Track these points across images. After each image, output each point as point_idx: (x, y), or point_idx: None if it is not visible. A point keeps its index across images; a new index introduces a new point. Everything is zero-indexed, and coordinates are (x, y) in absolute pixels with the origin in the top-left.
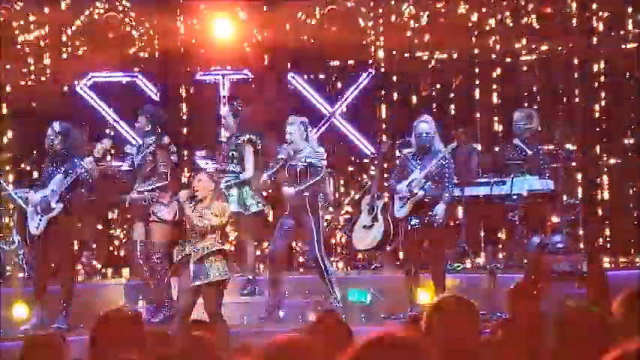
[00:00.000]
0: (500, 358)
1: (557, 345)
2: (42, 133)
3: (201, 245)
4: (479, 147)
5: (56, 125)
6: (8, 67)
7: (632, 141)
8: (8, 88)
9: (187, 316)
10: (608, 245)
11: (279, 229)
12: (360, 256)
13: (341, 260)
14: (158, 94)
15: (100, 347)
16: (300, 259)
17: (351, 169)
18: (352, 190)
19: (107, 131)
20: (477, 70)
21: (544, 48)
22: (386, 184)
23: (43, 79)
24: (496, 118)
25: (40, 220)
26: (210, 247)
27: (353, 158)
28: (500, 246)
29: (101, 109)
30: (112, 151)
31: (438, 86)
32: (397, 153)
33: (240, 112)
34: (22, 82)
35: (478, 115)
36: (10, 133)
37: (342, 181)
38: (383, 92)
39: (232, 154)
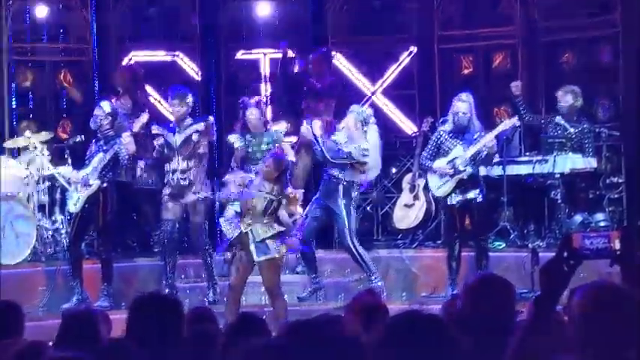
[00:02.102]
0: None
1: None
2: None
3: (261, 224)
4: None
5: (106, 106)
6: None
7: None
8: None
9: (240, 294)
10: None
11: (308, 214)
12: (400, 235)
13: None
14: (199, 73)
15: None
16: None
17: (391, 147)
18: (393, 168)
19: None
20: (519, 47)
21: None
22: (421, 162)
23: (85, 58)
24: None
25: (79, 197)
26: (270, 226)
27: (394, 137)
28: (543, 225)
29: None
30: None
31: (481, 64)
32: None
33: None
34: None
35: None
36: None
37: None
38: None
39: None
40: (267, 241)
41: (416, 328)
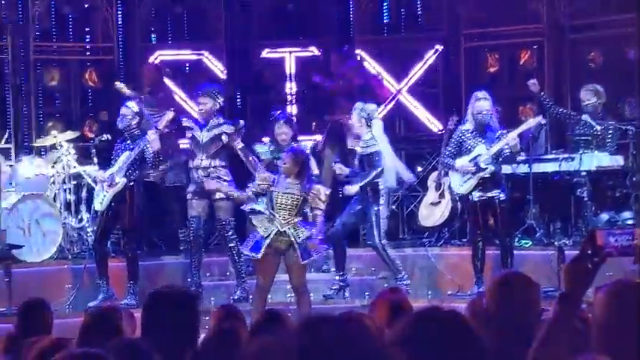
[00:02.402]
0: (555, 334)
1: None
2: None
3: (296, 223)
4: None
5: (134, 105)
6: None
7: None
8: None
9: (267, 293)
10: None
11: (346, 209)
12: (426, 233)
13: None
14: (225, 71)
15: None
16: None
17: (416, 146)
18: (419, 167)
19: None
20: (545, 45)
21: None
22: (442, 160)
23: (111, 57)
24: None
25: (105, 196)
26: (302, 225)
27: (419, 135)
28: (569, 223)
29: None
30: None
31: (507, 62)
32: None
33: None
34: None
35: (545, 90)
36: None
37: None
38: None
39: None
40: (307, 243)
41: (436, 323)
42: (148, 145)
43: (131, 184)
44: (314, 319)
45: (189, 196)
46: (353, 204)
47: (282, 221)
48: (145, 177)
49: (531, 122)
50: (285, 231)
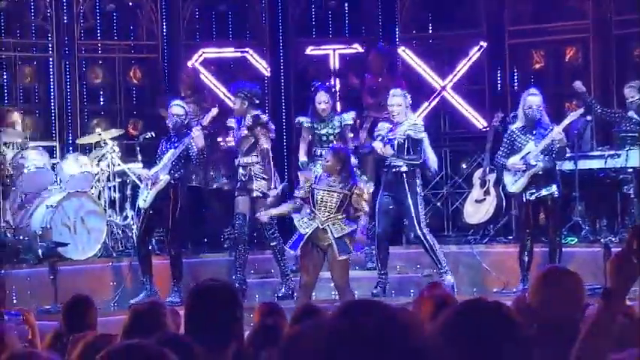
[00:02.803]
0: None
1: None
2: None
3: (337, 220)
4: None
5: (184, 105)
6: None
7: None
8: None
9: (311, 291)
10: None
11: (379, 210)
12: (471, 230)
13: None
14: (269, 69)
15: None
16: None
17: (461, 143)
18: (464, 164)
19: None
20: (591, 41)
21: None
22: (496, 161)
23: (155, 55)
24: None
25: (148, 193)
26: (345, 222)
27: (464, 132)
28: (615, 219)
29: (213, 86)
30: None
31: (552, 58)
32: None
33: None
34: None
35: (592, 86)
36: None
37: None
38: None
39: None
40: (346, 239)
41: (480, 313)
42: (193, 142)
43: (175, 181)
44: (353, 304)
45: (235, 193)
46: (383, 205)
47: (323, 218)
48: (189, 181)
49: (574, 114)
50: (325, 228)
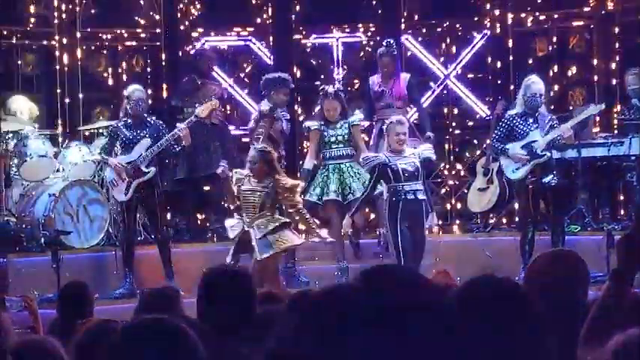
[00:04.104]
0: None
1: None
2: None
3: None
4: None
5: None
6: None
7: None
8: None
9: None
10: None
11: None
12: (474, 219)
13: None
14: (272, 57)
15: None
16: None
17: (465, 131)
18: (467, 152)
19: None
20: (594, 29)
21: None
22: (493, 145)
23: (157, 43)
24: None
25: (129, 186)
26: (271, 220)
27: (467, 120)
28: (618, 207)
29: (216, 74)
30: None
31: (555, 46)
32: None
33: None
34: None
35: (596, 76)
36: None
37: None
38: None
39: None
40: (270, 237)
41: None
42: (180, 139)
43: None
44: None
45: None
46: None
47: (248, 220)
48: (174, 175)
49: (588, 112)
50: (249, 230)
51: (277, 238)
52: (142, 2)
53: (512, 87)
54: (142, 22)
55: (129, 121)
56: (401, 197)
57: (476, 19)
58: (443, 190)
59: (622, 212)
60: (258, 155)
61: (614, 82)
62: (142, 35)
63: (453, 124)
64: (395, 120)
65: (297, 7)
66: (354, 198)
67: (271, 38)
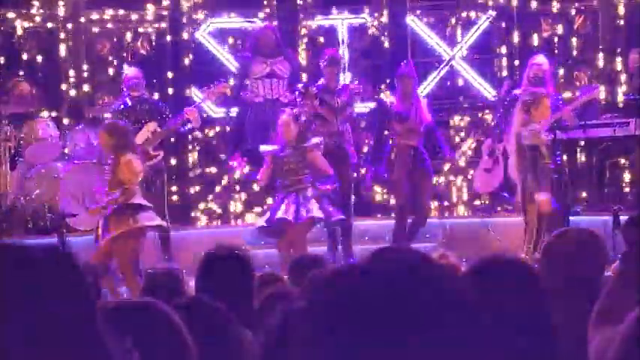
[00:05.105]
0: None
1: None
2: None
3: None
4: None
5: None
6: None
7: None
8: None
9: None
10: None
11: None
12: (480, 199)
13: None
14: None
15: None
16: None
17: (470, 113)
18: (473, 133)
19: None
20: (597, 10)
21: None
22: (502, 126)
23: (163, 25)
24: (618, 59)
25: None
26: None
27: (473, 101)
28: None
29: (221, 57)
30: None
31: (560, 27)
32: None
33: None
34: (141, 30)
35: (600, 55)
36: None
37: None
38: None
39: None
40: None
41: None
42: (190, 121)
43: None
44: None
45: None
46: None
47: None
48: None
49: (587, 97)
50: None
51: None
52: None
53: (517, 68)
54: (148, 4)
55: (129, 102)
56: None
57: (481, 0)
58: (448, 169)
59: (627, 192)
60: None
61: (618, 62)
62: (147, 18)
63: (458, 105)
64: None
65: None
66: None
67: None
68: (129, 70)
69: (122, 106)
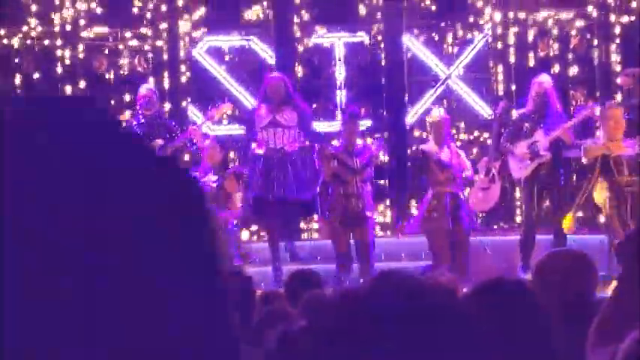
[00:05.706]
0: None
1: None
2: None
3: None
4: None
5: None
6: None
7: None
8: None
9: None
10: None
11: None
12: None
13: None
14: (274, 57)
15: None
16: None
17: (466, 131)
18: (469, 152)
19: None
20: (595, 28)
21: None
22: (502, 145)
23: (159, 43)
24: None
25: None
26: None
27: (469, 120)
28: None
29: (218, 74)
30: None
31: (557, 46)
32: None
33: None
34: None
35: (597, 74)
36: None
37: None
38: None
39: None
40: None
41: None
42: (193, 140)
43: None
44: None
45: None
46: None
47: None
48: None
49: (583, 114)
50: None
51: None
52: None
53: (513, 87)
54: (144, 22)
55: (142, 120)
56: None
57: (477, 19)
58: None
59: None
60: None
61: (616, 81)
62: (144, 35)
63: (454, 123)
64: None
65: (300, 8)
66: None
67: (273, 38)
68: (141, 89)
69: (135, 124)
